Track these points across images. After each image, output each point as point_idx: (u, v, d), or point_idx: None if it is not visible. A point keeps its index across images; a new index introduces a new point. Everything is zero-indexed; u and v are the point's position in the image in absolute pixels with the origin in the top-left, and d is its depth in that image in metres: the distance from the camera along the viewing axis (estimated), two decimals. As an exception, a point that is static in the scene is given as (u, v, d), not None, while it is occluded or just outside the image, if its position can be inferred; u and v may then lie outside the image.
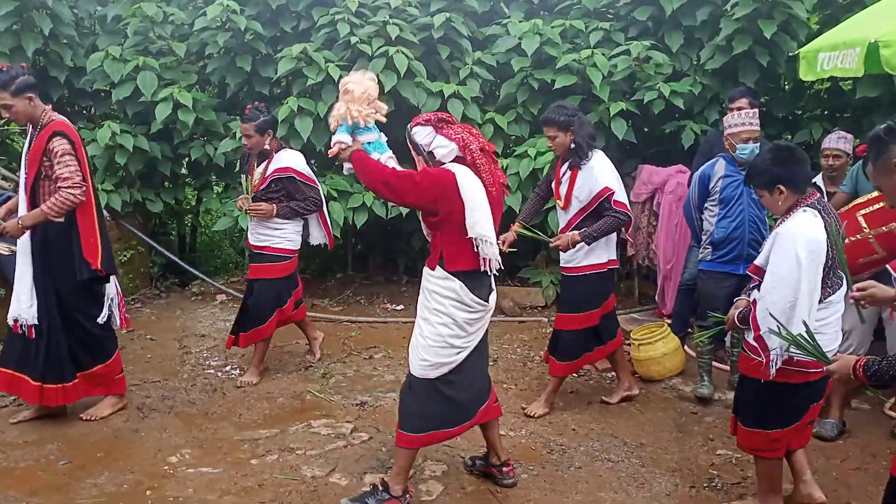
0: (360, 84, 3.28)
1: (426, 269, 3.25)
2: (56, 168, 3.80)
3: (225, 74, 6.39)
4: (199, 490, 3.45)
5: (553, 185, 4.34)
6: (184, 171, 7.22)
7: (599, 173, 4.12)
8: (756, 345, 3.02)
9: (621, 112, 5.80)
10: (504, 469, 3.55)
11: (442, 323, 3.17)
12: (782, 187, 3.01)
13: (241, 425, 4.18)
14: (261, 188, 4.59)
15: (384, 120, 3.38)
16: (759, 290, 3.08)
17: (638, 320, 5.71)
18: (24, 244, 3.93)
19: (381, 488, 3.28)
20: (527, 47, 5.91)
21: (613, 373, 4.96)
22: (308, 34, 6.36)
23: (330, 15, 6.06)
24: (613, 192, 4.11)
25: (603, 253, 4.24)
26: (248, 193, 4.62)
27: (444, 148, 3.16)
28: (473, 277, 3.18)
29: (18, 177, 4.08)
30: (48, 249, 3.94)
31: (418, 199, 3.15)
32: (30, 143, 3.92)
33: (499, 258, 3.19)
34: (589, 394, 4.67)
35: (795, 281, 2.89)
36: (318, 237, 4.86)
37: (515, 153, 6.03)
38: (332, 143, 3.33)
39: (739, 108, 4.57)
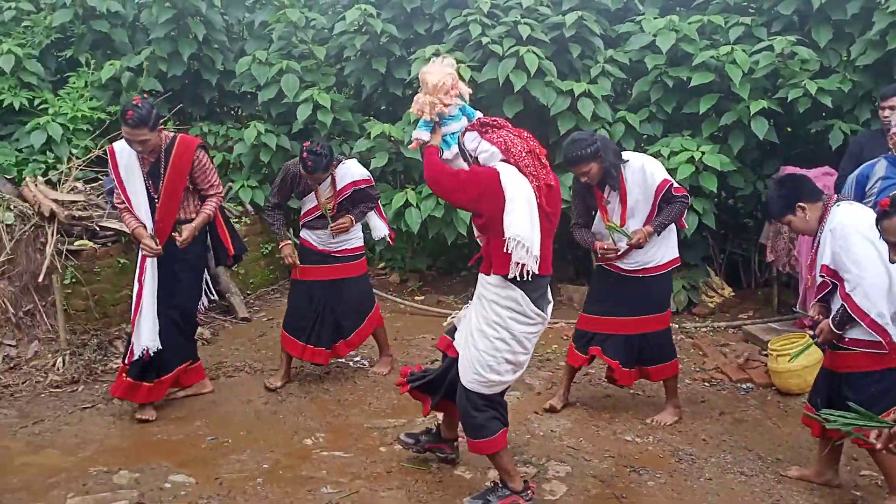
0: (435, 74, 3.19)
1: (481, 276, 3.19)
2: (207, 177, 4.22)
3: (361, 76, 6.64)
4: (332, 472, 3.62)
5: (599, 212, 4.11)
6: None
7: (652, 169, 3.99)
8: (871, 330, 3.04)
9: (762, 111, 5.53)
10: (454, 444, 3.71)
11: (499, 337, 3.10)
12: (803, 204, 3.24)
13: (371, 414, 4.35)
14: (336, 204, 4.61)
15: (465, 101, 3.30)
16: (828, 288, 3.22)
17: (777, 330, 5.43)
18: (151, 270, 4.15)
19: (500, 485, 3.31)
20: (661, 44, 5.76)
21: (749, 384, 4.77)
22: (441, 36, 6.50)
23: (462, 16, 6.16)
24: (672, 183, 4.01)
25: (676, 246, 4.15)
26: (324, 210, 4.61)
27: (486, 152, 3.13)
28: (530, 284, 3.07)
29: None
30: (175, 255, 4.17)
31: (462, 196, 3.13)
32: (151, 164, 4.10)
33: (533, 265, 3.00)
34: (721, 404, 4.50)
35: (877, 258, 3.01)
36: (380, 229, 4.84)
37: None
38: (412, 138, 3.35)
39: (892, 107, 4.27)
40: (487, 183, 3.04)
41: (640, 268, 4.07)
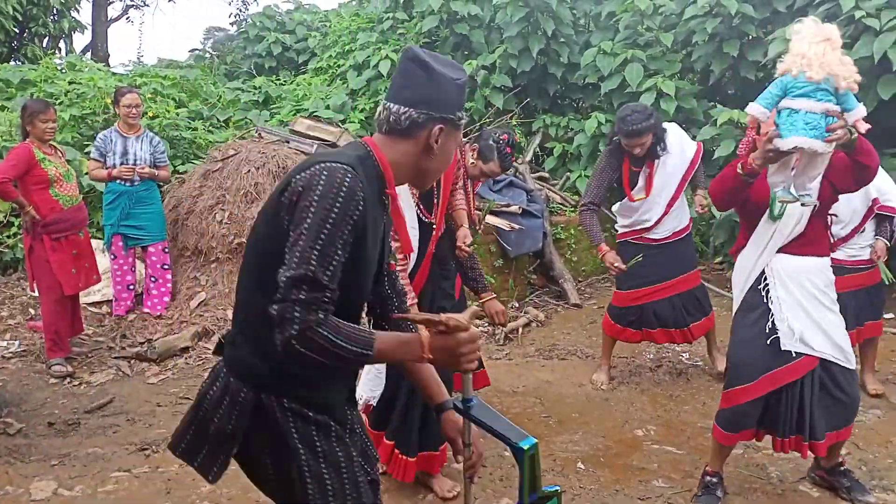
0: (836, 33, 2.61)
1: (822, 260, 3.05)
2: None
3: (710, 61, 6.36)
4: (663, 466, 3.56)
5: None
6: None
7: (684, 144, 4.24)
8: None
9: None
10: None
11: None
12: None
13: (705, 413, 4.17)
14: None
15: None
16: None
17: None
18: None
19: None
20: None
21: None
22: (804, 12, 5.88)
23: (834, -12, 5.55)
24: None
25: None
26: None
27: None
28: None
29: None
30: None
31: None
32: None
33: None
34: None
35: None
36: None
37: None
38: (843, 122, 2.60)
39: None
40: None
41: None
